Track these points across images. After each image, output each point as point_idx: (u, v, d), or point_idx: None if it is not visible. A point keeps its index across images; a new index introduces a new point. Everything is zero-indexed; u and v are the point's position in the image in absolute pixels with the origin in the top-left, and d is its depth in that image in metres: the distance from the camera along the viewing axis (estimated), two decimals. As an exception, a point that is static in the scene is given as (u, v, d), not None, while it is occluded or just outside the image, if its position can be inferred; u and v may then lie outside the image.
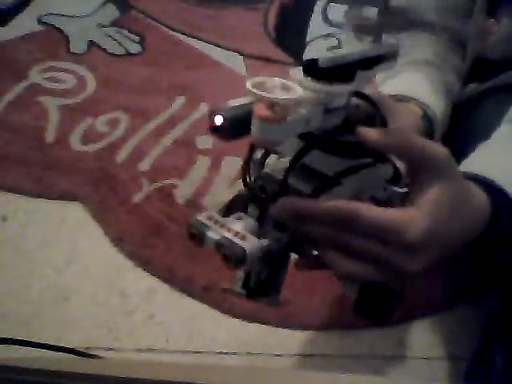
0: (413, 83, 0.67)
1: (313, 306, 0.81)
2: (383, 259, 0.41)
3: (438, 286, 0.83)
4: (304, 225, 0.42)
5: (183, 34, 1.27)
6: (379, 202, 0.44)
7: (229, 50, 1.22)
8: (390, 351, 0.76)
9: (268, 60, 1.19)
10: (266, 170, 0.45)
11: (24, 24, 1.28)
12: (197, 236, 0.43)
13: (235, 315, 0.79)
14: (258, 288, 0.50)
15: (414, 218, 0.41)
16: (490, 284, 0.81)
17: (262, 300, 0.51)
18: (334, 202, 0.41)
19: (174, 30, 1.28)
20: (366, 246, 0.41)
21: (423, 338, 0.78)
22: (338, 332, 0.78)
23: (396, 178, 0.45)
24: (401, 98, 0.65)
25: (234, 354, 0.76)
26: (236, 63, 1.19)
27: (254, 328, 0.79)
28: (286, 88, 0.40)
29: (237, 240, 0.42)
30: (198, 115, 1.07)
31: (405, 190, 0.44)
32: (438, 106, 0.67)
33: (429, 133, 0.64)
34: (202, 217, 0.43)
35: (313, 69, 0.41)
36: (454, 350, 0.76)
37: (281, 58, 1.20)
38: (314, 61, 0.41)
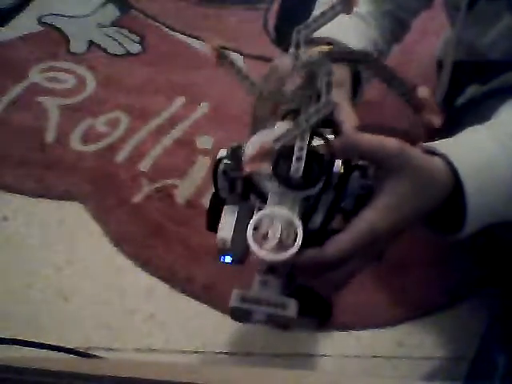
0: (345, 30, 0.68)
1: (313, 306, 0.81)
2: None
3: (438, 286, 0.83)
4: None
5: (183, 34, 1.27)
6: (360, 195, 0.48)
7: (229, 50, 1.22)
8: (390, 351, 0.76)
9: (268, 60, 1.19)
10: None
11: (24, 24, 1.28)
12: (244, 320, 0.46)
13: (235, 315, 0.79)
14: None
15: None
16: (490, 283, 0.81)
17: None
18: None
19: (174, 29, 1.28)
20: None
21: (423, 338, 0.78)
22: (338, 332, 0.78)
23: (364, 174, 0.48)
24: (330, 42, 0.65)
25: (234, 353, 0.76)
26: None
27: (254, 328, 0.78)
28: (285, 223, 0.44)
29: (281, 312, 0.45)
30: (198, 115, 1.07)
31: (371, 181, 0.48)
32: None
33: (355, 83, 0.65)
34: (237, 303, 0.45)
35: (287, 181, 0.45)
36: (454, 350, 0.76)
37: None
38: (287, 172, 0.44)
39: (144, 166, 0.98)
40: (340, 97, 0.60)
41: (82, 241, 0.88)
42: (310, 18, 0.47)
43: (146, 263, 0.85)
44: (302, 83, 0.47)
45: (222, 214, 0.48)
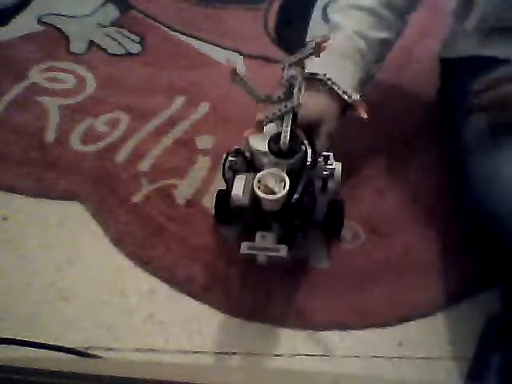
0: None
1: (313, 306, 0.81)
2: None
3: (438, 286, 0.83)
4: None
5: (183, 34, 1.27)
6: None
7: (229, 50, 1.22)
8: (389, 351, 0.77)
9: (268, 60, 1.19)
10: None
11: (24, 24, 1.28)
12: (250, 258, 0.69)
13: (235, 315, 0.80)
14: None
15: None
16: (490, 283, 0.81)
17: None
18: None
19: (174, 29, 1.28)
20: None
21: (423, 338, 0.78)
22: (337, 332, 0.78)
23: (326, 161, 0.76)
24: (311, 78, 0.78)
25: (233, 353, 0.76)
26: (236, 63, 1.19)
27: (254, 328, 0.79)
28: (278, 179, 0.67)
29: (276, 253, 0.68)
30: (198, 115, 1.07)
31: None
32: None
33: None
34: (246, 250, 0.69)
35: (277, 152, 0.68)
36: (454, 350, 0.76)
37: (281, 58, 1.20)
38: (277, 143, 0.68)
39: (144, 165, 0.98)
40: (323, 130, 0.77)
41: (82, 241, 0.88)
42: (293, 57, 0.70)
43: (146, 263, 0.85)
44: (284, 92, 0.69)
45: (234, 181, 0.71)
